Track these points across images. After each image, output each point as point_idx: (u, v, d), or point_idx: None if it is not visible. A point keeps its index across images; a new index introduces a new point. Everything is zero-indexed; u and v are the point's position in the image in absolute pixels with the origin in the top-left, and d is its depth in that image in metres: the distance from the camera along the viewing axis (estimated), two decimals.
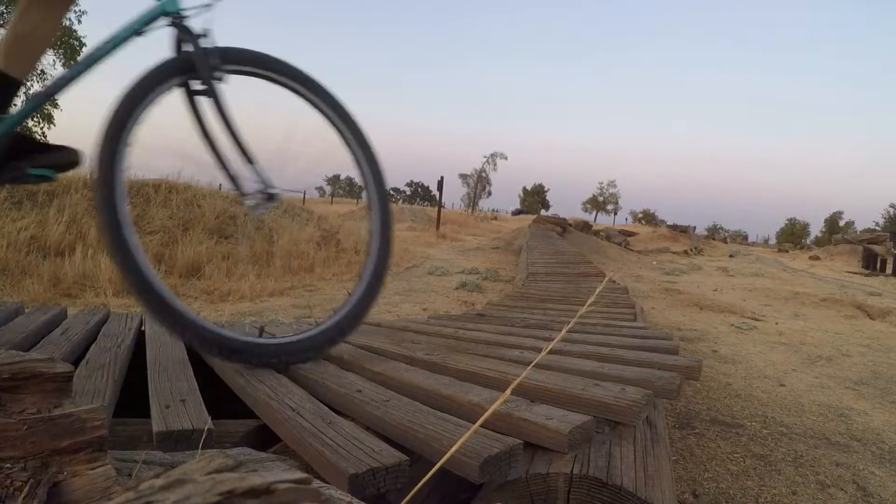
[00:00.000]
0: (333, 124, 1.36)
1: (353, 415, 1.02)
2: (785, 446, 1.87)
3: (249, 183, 1.23)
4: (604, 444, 0.88)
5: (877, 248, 13.25)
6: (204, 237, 5.89)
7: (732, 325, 4.14)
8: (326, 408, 1.01)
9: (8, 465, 0.47)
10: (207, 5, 1.20)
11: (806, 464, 1.74)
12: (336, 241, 7.19)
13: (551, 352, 1.41)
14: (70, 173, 6.20)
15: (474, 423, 0.55)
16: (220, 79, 1.21)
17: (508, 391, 0.48)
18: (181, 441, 0.88)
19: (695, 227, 16.37)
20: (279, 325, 2.41)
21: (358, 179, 1.45)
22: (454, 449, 0.49)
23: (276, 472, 0.26)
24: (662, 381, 1.13)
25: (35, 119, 16.46)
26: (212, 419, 0.95)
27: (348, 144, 1.38)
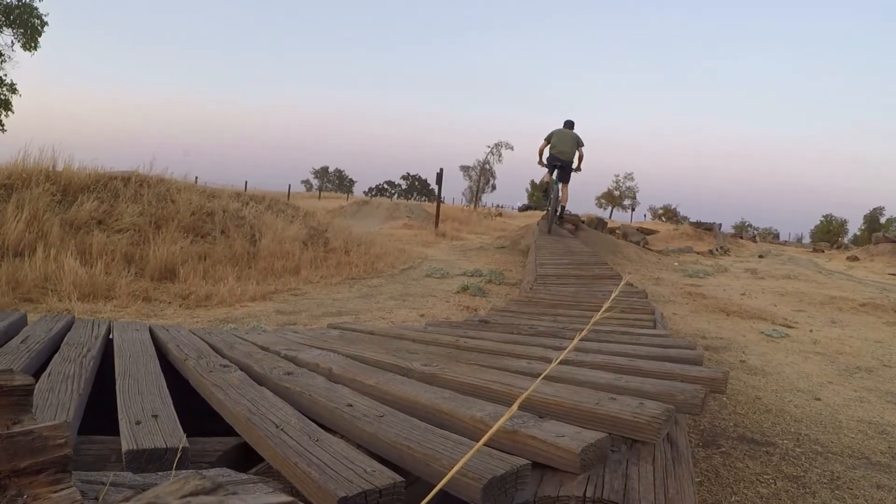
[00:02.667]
0: None
1: (344, 431, 1.02)
2: (820, 466, 1.87)
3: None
4: (620, 463, 0.88)
5: None
6: (178, 236, 5.89)
7: (762, 332, 4.14)
8: (314, 424, 1.01)
9: None
10: None
11: (843, 486, 1.74)
12: (324, 241, 7.19)
13: (562, 362, 1.41)
14: (30, 164, 6.21)
15: (477, 441, 0.55)
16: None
17: (515, 406, 0.48)
18: (153, 461, 0.88)
19: (720, 225, 16.34)
20: (262, 333, 2.41)
21: None
22: (455, 470, 0.49)
23: (257, 496, 0.26)
24: (685, 395, 1.13)
25: None
26: (187, 437, 0.95)
27: None
